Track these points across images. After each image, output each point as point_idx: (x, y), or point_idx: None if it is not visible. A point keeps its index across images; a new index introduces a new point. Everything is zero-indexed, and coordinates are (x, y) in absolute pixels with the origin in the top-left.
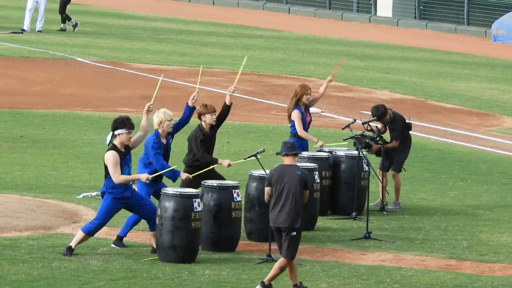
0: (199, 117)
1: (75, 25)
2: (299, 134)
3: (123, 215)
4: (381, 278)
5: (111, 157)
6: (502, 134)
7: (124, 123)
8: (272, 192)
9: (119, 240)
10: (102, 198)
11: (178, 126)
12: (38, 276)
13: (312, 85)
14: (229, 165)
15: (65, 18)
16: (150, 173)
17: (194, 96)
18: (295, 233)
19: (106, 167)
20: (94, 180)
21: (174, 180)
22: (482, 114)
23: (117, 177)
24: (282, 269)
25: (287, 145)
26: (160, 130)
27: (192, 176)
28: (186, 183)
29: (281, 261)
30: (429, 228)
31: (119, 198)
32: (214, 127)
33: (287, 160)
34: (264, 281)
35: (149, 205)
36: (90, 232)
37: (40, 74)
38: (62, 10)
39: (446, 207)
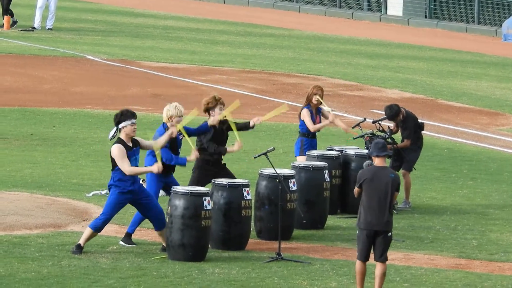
0: (208, 112)
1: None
2: (311, 130)
3: (132, 212)
4: (391, 277)
5: (116, 150)
6: None
7: (125, 114)
8: (360, 193)
9: (127, 237)
10: (109, 191)
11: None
12: (48, 274)
13: (322, 83)
14: (240, 147)
15: (11, 14)
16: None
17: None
18: (390, 233)
19: (112, 159)
20: (104, 178)
21: (184, 165)
22: (492, 113)
23: (128, 169)
24: (385, 274)
25: (378, 145)
26: (169, 124)
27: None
28: (195, 181)
29: (383, 267)
30: (439, 227)
31: (126, 193)
32: (224, 123)
33: (378, 161)
34: None
35: (154, 205)
36: (97, 228)
37: (50, 72)
38: (6, 7)
39: (456, 206)
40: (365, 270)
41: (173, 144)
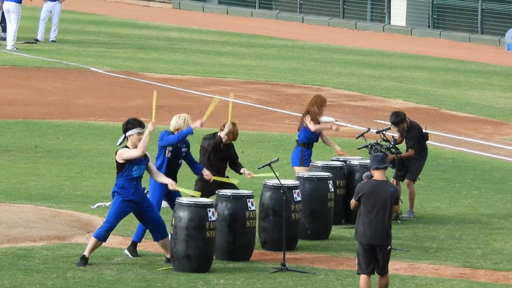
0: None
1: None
2: (312, 129)
3: (137, 223)
4: (396, 287)
5: (121, 150)
6: None
7: (132, 123)
8: (356, 206)
9: (133, 246)
10: (113, 198)
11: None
12: (53, 286)
13: (326, 94)
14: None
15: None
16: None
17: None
18: (390, 247)
19: (117, 165)
20: (108, 190)
21: (191, 132)
22: (496, 122)
23: (137, 151)
24: (388, 285)
25: (377, 158)
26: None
27: (206, 118)
28: (201, 189)
29: (385, 279)
30: (444, 236)
31: (128, 201)
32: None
33: (378, 175)
34: None
35: (155, 215)
36: (100, 236)
37: (54, 84)
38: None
39: (460, 216)
40: (370, 286)
41: (176, 154)
